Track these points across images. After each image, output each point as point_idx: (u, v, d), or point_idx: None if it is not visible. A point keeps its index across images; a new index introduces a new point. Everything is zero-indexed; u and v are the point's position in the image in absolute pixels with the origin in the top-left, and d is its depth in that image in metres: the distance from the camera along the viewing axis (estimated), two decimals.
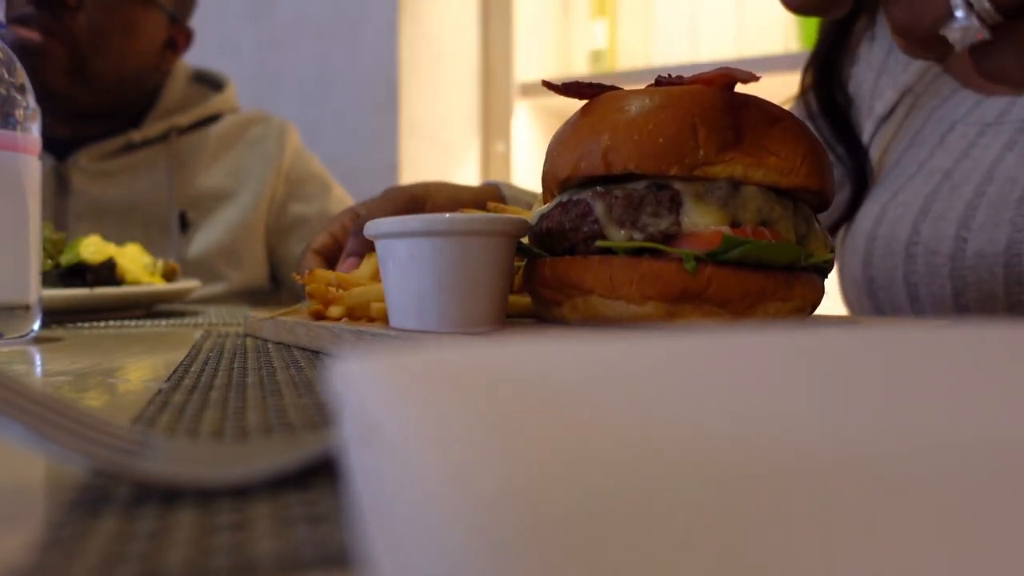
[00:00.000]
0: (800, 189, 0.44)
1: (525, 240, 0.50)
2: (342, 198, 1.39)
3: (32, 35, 1.14)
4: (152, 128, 1.30)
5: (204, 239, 1.29)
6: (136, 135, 1.28)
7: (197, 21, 1.40)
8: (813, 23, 1.70)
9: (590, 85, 0.47)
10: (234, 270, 1.30)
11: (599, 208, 0.43)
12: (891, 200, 0.73)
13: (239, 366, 0.45)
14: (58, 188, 1.26)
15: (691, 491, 0.11)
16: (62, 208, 1.26)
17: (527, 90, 1.92)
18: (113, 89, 1.25)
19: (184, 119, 1.32)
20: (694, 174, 0.43)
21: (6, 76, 0.57)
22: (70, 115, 1.25)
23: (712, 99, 0.44)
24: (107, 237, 1.02)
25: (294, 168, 1.36)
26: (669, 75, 0.47)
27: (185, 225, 1.28)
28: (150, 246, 1.23)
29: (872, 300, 0.74)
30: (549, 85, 0.47)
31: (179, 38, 1.33)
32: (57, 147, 1.26)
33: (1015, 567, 0.09)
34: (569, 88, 0.47)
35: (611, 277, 0.43)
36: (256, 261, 1.32)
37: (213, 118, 1.35)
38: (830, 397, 0.14)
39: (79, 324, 0.77)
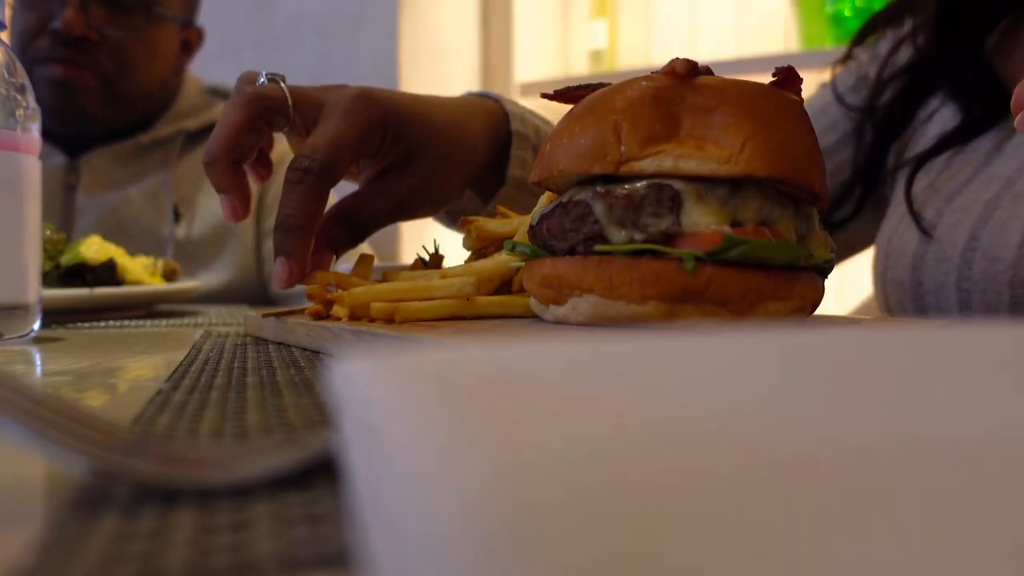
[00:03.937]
0: (746, 177, 0.42)
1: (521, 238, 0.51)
2: None
3: (65, 72, 1.25)
4: (161, 131, 1.36)
5: (194, 227, 1.34)
6: (145, 137, 1.35)
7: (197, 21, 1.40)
8: (813, 24, 1.70)
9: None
10: (222, 259, 1.35)
11: (599, 209, 0.43)
12: (946, 206, 0.72)
13: (239, 366, 0.45)
14: (66, 184, 1.32)
15: (683, 488, 0.11)
16: (69, 203, 1.32)
17: (527, 90, 1.92)
18: (139, 103, 1.34)
19: (192, 123, 1.38)
20: (620, 171, 0.43)
21: (6, 76, 0.57)
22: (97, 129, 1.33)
23: (642, 95, 0.43)
24: (107, 232, 1.03)
25: (282, 164, 1.38)
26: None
27: (177, 217, 1.34)
28: (144, 240, 1.27)
29: (917, 304, 0.74)
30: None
31: (191, 39, 1.40)
32: (70, 144, 1.33)
33: (1015, 563, 0.09)
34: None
35: (611, 277, 0.43)
36: (244, 253, 1.36)
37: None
38: (829, 397, 0.14)
39: (79, 324, 0.77)
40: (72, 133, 1.31)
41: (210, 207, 1.35)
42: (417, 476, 0.11)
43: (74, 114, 1.27)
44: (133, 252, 0.98)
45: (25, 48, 1.23)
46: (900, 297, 0.76)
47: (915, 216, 0.73)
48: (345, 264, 0.91)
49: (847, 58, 0.89)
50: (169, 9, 1.31)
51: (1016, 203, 0.67)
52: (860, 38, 0.88)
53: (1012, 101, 0.46)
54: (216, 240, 1.34)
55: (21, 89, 0.58)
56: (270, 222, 1.38)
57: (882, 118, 0.82)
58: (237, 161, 0.61)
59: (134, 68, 1.29)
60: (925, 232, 0.72)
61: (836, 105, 0.86)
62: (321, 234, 0.61)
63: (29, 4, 1.23)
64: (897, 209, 0.79)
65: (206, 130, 1.39)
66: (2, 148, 0.57)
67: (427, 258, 0.64)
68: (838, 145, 0.86)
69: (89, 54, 1.24)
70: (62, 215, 1.30)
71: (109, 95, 1.28)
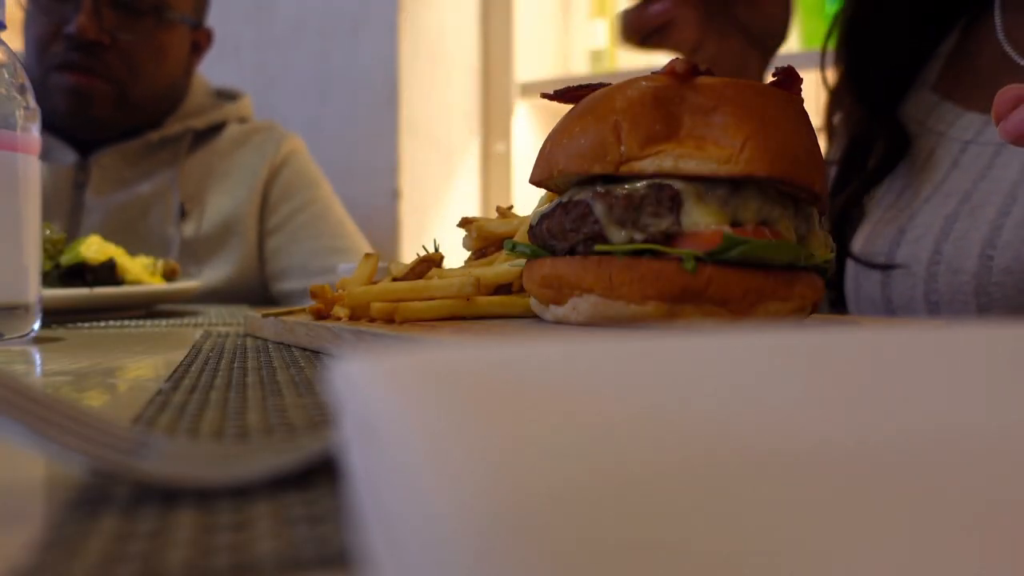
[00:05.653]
0: (746, 177, 0.42)
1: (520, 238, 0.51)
2: (329, 195, 1.44)
3: (79, 80, 1.25)
4: (170, 129, 1.37)
5: (199, 224, 1.35)
6: (154, 135, 1.36)
7: None
8: (813, 24, 1.70)
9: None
10: (225, 255, 1.35)
11: (599, 209, 0.43)
12: (909, 222, 0.74)
13: (239, 366, 0.45)
14: (76, 183, 1.33)
15: (682, 487, 0.11)
16: (78, 201, 1.32)
17: (527, 90, 1.92)
18: (150, 105, 1.35)
19: (200, 122, 1.39)
20: (620, 171, 0.43)
21: (6, 76, 0.57)
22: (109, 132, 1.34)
23: (642, 95, 0.43)
24: (114, 231, 1.03)
25: (287, 163, 1.42)
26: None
27: (184, 215, 1.35)
28: (150, 238, 1.28)
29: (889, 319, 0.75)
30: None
31: (201, 40, 1.41)
32: (80, 144, 1.33)
33: (1014, 561, 0.09)
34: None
35: (611, 277, 0.43)
36: (247, 251, 1.36)
37: (223, 124, 1.42)
38: (827, 395, 0.14)
39: (79, 324, 0.77)
40: (84, 137, 1.32)
41: (216, 204, 1.36)
42: (417, 476, 0.11)
43: (87, 120, 1.28)
44: (140, 250, 0.98)
45: (41, 54, 1.24)
46: (873, 314, 0.77)
47: (847, 251, 0.77)
48: (348, 265, 0.92)
49: (830, 134, 0.92)
50: (179, 12, 1.32)
51: (974, 215, 0.69)
52: (830, 113, 0.93)
53: (992, 112, 0.47)
54: (221, 237, 1.35)
55: (21, 89, 0.58)
56: (274, 220, 1.39)
57: (844, 166, 0.85)
58: None
59: (145, 72, 1.30)
60: (880, 266, 0.75)
61: None
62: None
63: (44, 9, 1.24)
64: (863, 230, 0.80)
65: (213, 129, 1.41)
66: (2, 148, 0.57)
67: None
68: None
69: (102, 59, 1.25)
70: (71, 214, 1.31)
71: (122, 100, 1.30)
